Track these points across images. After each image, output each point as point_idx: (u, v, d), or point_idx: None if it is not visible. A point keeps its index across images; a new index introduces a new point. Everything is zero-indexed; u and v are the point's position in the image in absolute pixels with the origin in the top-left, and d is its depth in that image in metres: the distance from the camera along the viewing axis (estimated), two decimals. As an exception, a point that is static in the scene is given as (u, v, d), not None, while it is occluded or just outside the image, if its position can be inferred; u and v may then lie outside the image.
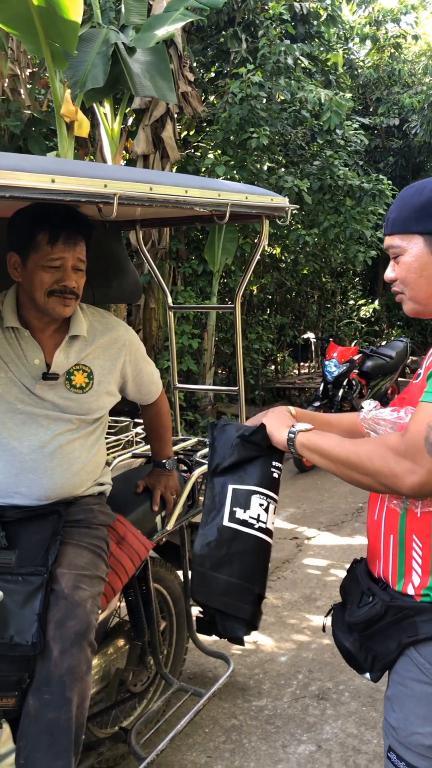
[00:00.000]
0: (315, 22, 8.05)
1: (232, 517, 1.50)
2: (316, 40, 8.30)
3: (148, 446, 2.66)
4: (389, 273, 1.44)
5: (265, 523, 1.50)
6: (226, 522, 1.50)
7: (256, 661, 3.22)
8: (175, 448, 2.86)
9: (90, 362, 2.07)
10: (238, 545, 1.49)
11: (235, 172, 6.50)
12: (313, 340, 9.73)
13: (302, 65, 7.13)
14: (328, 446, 1.39)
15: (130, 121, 6.95)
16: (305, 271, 9.15)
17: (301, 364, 10.37)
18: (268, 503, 1.52)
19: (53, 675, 1.72)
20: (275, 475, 1.55)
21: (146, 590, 2.43)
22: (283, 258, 8.83)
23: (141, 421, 3.23)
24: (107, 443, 3.22)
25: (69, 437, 2.01)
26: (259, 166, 6.77)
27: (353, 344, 9.49)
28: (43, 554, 1.86)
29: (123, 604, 2.46)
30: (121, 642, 2.42)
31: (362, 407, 1.46)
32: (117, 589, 2.13)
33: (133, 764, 2.30)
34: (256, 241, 7.85)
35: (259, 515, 1.50)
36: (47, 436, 1.97)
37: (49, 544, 1.88)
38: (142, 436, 3.29)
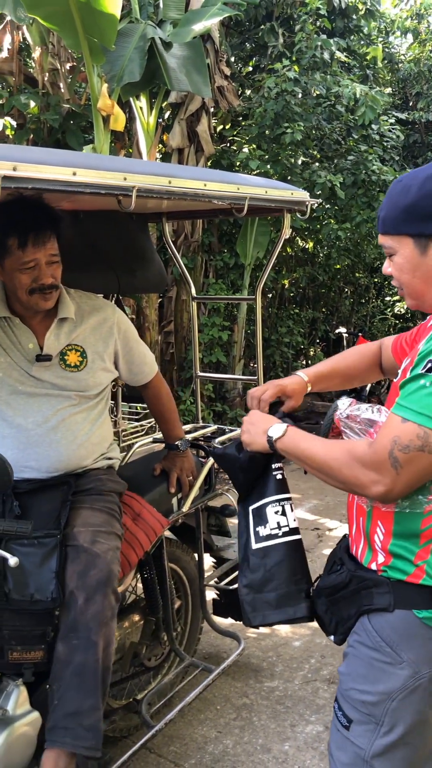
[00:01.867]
0: (354, 17, 8.03)
1: (258, 538, 1.57)
2: (355, 35, 8.27)
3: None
4: (386, 268, 1.46)
5: (287, 525, 1.57)
6: (254, 546, 1.58)
7: (270, 645, 3.30)
8: (195, 434, 2.95)
9: (81, 341, 2.18)
10: (272, 559, 1.55)
11: (269, 166, 6.55)
12: (345, 335, 9.72)
13: (339, 60, 7.13)
14: (303, 452, 1.45)
15: (166, 116, 7.04)
16: (338, 266, 9.14)
17: (333, 359, 10.35)
18: (282, 506, 1.58)
19: (79, 622, 1.85)
20: (278, 476, 1.61)
21: (161, 568, 2.53)
22: (316, 252, 8.84)
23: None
24: (129, 429, 3.33)
25: (71, 411, 2.13)
26: (293, 161, 6.80)
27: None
28: (54, 519, 1.99)
29: (140, 584, 2.56)
30: (136, 617, 2.52)
31: (337, 405, 1.52)
32: (133, 563, 2.23)
33: (144, 734, 2.40)
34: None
35: (278, 522, 1.57)
36: (50, 412, 2.09)
37: (60, 510, 2.01)
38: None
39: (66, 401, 2.12)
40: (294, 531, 1.58)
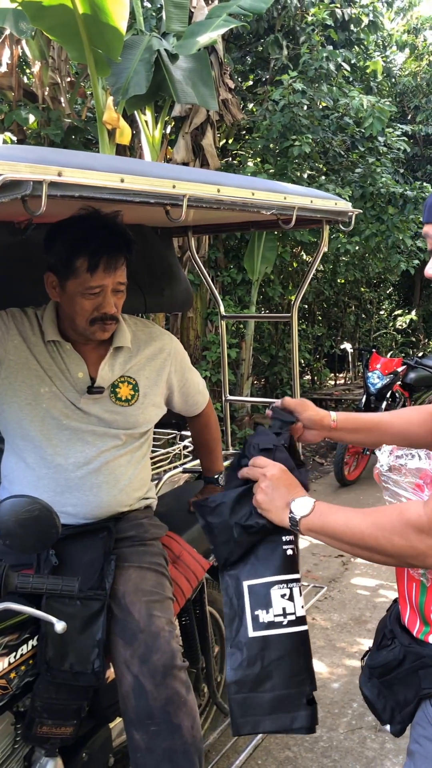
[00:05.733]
0: (355, 29, 7.95)
1: (257, 624, 1.27)
2: (356, 48, 8.19)
3: (198, 460, 2.55)
4: (428, 269, 1.23)
5: (294, 613, 1.28)
6: (251, 633, 1.27)
7: (307, 687, 3.07)
8: (227, 463, 2.74)
9: (135, 374, 1.98)
10: (272, 653, 1.26)
11: (275, 180, 6.40)
12: (350, 351, 9.55)
13: (343, 72, 7.03)
14: (338, 530, 1.18)
15: (168, 129, 6.89)
16: (342, 281, 9.01)
17: (337, 374, 10.22)
18: (291, 588, 1.29)
19: (154, 708, 1.67)
20: (289, 552, 1.31)
21: (201, 613, 2.32)
22: (321, 267, 8.70)
23: (188, 433, 3.13)
24: (154, 457, 3.12)
25: (115, 453, 1.93)
26: (299, 174, 6.66)
27: (389, 355, 9.31)
28: (98, 575, 1.77)
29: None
30: (173, 668, 2.30)
31: (378, 454, 1.27)
32: (174, 614, 2.02)
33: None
34: (295, 250, 7.76)
35: (284, 608, 1.27)
36: (93, 453, 1.89)
37: (104, 565, 1.79)
38: (190, 449, 3.18)
39: (111, 441, 1.91)
40: (301, 620, 1.28)
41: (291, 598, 1.28)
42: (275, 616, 1.26)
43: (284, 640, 1.26)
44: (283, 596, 1.28)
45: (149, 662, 1.69)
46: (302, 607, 1.29)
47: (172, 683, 1.70)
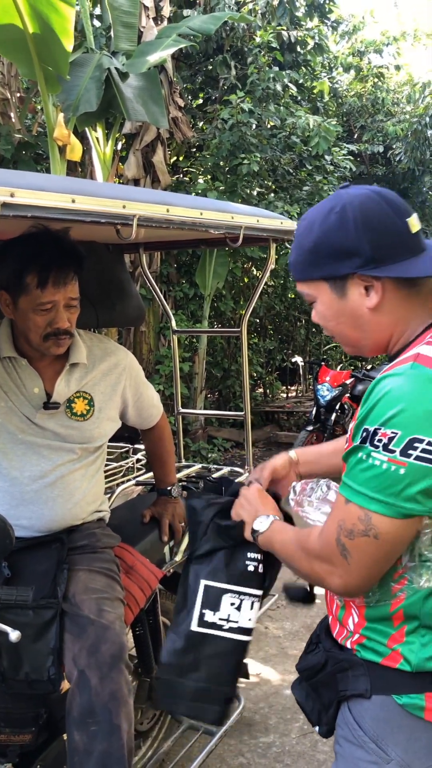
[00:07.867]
0: (302, 51, 8.17)
1: (201, 621, 1.40)
2: (303, 69, 8.41)
3: (151, 473, 2.59)
4: (314, 316, 1.27)
5: (236, 622, 1.39)
6: (194, 627, 1.40)
7: (260, 695, 3.12)
8: (179, 474, 2.79)
9: (90, 389, 2.02)
10: (207, 649, 1.39)
11: (225, 197, 6.51)
12: (300, 364, 9.73)
13: (290, 92, 7.22)
14: (277, 552, 1.33)
15: (119, 146, 6.96)
16: (292, 295, 9.18)
17: (289, 387, 10.37)
18: (242, 600, 1.39)
19: (96, 704, 1.66)
20: (250, 567, 1.41)
21: (154, 623, 2.35)
22: (272, 282, 8.86)
23: (141, 447, 3.17)
24: (107, 470, 3.15)
25: (70, 467, 1.96)
26: (249, 192, 6.79)
27: (339, 368, 9.50)
28: (51, 584, 1.80)
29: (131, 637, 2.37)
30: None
31: (290, 490, 1.40)
32: (128, 622, 2.05)
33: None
34: (246, 266, 7.89)
35: (229, 615, 1.39)
36: (48, 466, 1.92)
37: (56, 574, 1.82)
38: (143, 462, 3.22)
39: (67, 455, 1.94)
40: (243, 631, 1.39)
41: (239, 608, 1.39)
42: (220, 619, 1.38)
43: (220, 642, 1.39)
44: (232, 605, 1.39)
45: (98, 652, 1.69)
46: (249, 620, 1.39)
47: (118, 677, 1.69)
